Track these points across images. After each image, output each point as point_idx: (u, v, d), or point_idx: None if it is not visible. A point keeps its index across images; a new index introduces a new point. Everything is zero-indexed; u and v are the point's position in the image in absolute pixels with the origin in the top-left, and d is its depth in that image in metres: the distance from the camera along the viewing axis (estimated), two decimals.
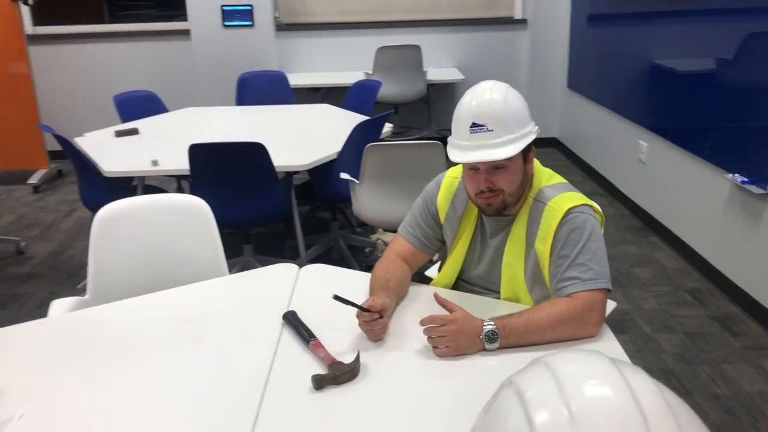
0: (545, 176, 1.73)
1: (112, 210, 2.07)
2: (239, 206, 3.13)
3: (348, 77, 5.05)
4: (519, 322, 1.54)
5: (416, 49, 5.49)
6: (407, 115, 6.14)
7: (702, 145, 3.56)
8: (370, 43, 5.76)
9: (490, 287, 1.82)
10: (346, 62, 6.14)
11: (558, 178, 1.74)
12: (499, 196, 1.65)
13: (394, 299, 1.70)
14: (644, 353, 2.90)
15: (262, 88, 4.86)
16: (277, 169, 3.09)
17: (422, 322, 1.55)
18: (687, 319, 3.17)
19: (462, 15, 6.23)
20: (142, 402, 1.41)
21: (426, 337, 1.54)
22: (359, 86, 4.52)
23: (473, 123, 1.59)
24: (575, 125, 5.81)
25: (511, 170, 1.63)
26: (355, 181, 3.13)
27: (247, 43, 5.64)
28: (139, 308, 1.81)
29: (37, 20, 6.08)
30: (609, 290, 1.61)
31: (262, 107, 4.58)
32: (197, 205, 2.12)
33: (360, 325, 1.59)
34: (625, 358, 1.52)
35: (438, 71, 5.94)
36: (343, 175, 3.16)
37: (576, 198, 1.65)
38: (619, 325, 3.13)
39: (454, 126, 1.65)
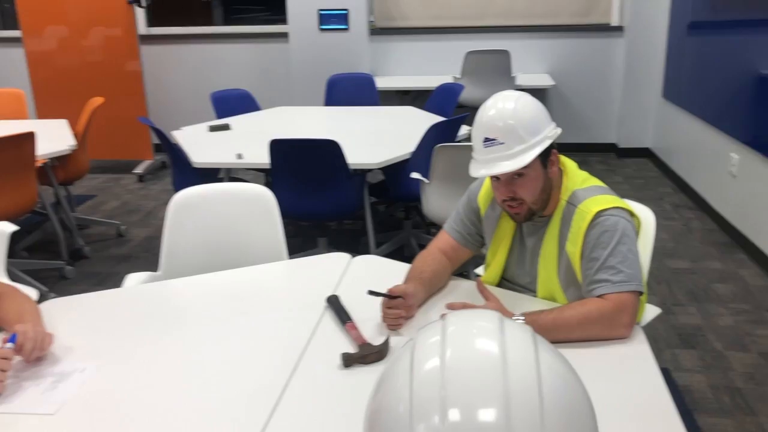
0: (579, 179, 1.74)
1: (186, 195, 2.25)
2: (313, 200, 3.28)
3: (437, 81, 5.09)
4: (548, 318, 1.58)
5: (505, 54, 5.49)
6: None
7: None
8: (462, 47, 5.81)
9: (529, 287, 1.85)
10: (437, 66, 6.22)
11: (594, 181, 1.75)
12: (524, 205, 1.69)
13: (424, 290, 1.76)
14: (711, 370, 2.81)
15: (350, 90, 5.02)
16: (351, 167, 3.22)
17: (452, 306, 1.61)
18: (764, 338, 3.04)
19: (556, 21, 6.17)
20: (187, 365, 1.55)
21: None
22: (442, 89, 4.59)
23: (485, 138, 1.63)
24: (669, 136, 5.62)
25: (531, 177, 1.65)
26: (425, 180, 3.21)
27: (342, 46, 5.82)
28: (201, 285, 1.97)
29: (152, 21, 6.54)
30: (641, 293, 1.61)
31: (347, 108, 4.73)
32: (263, 194, 2.27)
33: (382, 312, 1.66)
34: (654, 365, 1.51)
35: (528, 77, 5.90)
36: (414, 175, 3.25)
37: (608, 201, 1.66)
38: (688, 339, 3.04)
39: (472, 141, 1.70)
